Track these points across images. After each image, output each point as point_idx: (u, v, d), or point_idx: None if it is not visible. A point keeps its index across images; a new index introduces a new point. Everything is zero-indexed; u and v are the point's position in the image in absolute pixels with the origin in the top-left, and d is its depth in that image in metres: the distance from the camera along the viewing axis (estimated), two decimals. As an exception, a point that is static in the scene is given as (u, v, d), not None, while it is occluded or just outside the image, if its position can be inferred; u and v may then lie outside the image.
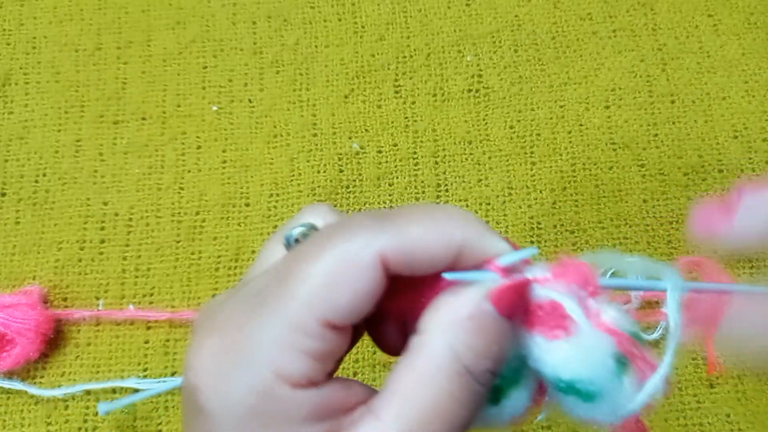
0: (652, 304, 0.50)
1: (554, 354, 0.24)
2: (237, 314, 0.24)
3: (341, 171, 0.55)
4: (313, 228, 0.26)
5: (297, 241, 0.26)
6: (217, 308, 0.25)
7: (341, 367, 0.50)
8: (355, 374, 0.50)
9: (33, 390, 0.49)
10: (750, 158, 0.55)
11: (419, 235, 0.23)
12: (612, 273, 0.27)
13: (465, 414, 0.23)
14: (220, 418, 0.23)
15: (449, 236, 0.23)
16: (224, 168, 0.56)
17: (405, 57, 0.59)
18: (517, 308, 0.24)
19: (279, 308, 0.23)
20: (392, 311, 0.25)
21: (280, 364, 0.22)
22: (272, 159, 0.56)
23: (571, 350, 0.24)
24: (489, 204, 0.54)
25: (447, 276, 0.24)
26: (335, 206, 0.54)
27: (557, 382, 0.24)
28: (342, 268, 0.22)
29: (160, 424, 0.49)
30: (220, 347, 0.23)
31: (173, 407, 0.49)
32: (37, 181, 0.55)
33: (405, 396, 0.23)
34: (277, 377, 0.22)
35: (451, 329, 0.23)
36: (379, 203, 0.55)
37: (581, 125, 0.56)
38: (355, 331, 0.26)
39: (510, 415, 0.26)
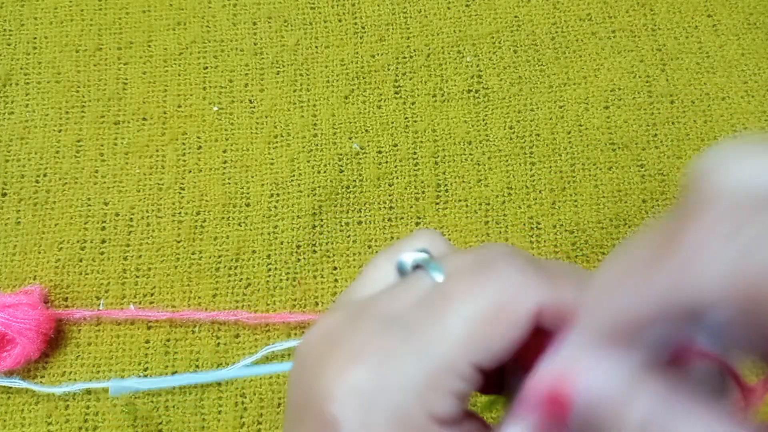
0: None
1: None
2: (383, 344, 0.23)
3: (341, 171, 0.55)
4: (426, 254, 0.25)
5: (414, 268, 0.25)
6: (350, 331, 0.24)
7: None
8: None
9: (34, 387, 0.49)
10: (749, 158, 0.55)
11: (571, 292, 0.22)
12: None
13: None
14: None
15: (577, 298, 0.22)
16: (225, 168, 0.56)
17: (405, 58, 0.59)
18: None
19: (431, 346, 0.22)
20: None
21: (432, 405, 0.22)
22: (273, 159, 0.56)
23: None
24: (488, 204, 0.54)
25: None
26: (336, 206, 0.54)
27: None
28: (500, 314, 0.22)
29: (160, 424, 0.49)
30: (366, 379, 0.22)
31: (173, 407, 0.49)
32: (37, 181, 0.55)
33: None
34: (426, 416, 0.22)
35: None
36: (379, 203, 0.55)
37: (581, 125, 0.56)
38: None
39: None
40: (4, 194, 0.55)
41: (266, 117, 0.57)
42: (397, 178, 0.55)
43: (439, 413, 0.22)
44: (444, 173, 0.55)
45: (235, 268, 0.53)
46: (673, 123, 0.56)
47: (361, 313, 0.24)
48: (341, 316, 0.25)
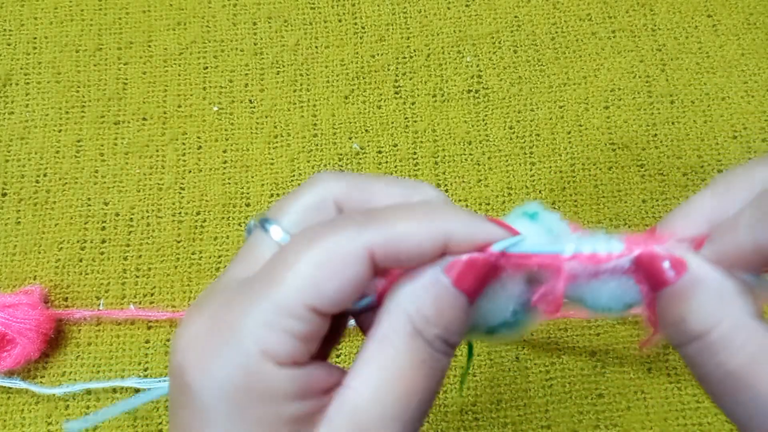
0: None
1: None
2: (224, 297, 0.25)
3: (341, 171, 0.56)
4: (264, 215, 0.28)
5: (256, 227, 0.28)
6: (204, 297, 0.26)
7: (343, 365, 0.50)
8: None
9: (34, 388, 0.49)
10: (749, 158, 0.55)
11: (405, 229, 0.25)
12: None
13: (423, 376, 0.25)
14: (206, 395, 0.23)
15: (435, 229, 0.25)
16: (225, 168, 0.56)
17: (405, 58, 0.59)
18: (476, 282, 0.26)
19: (267, 292, 0.24)
20: (382, 296, 0.27)
21: (266, 343, 0.23)
22: (273, 159, 0.56)
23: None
24: (489, 204, 0.54)
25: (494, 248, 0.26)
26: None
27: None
28: (330, 259, 0.24)
29: (160, 423, 0.49)
30: (207, 327, 0.24)
31: (174, 407, 0.49)
32: (38, 182, 0.55)
33: (368, 362, 0.25)
34: (263, 355, 0.23)
35: (406, 296, 0.25)
36: (379, 203, 0.55)
37: (581, 126, 0.56)
38: (339, 321, 0.28)
39: (502, 340, 0.28)
40: (4, 194, 0.55)
41: (266, 117, 0.57)
42: (397, 178, 0.55)
43: (273, 351, 0.24)
44: (444, 173, 0.55)
45: (235, 268, 0.53)
46: (673, 123, 0.56)
47: (217, 281, 0.27)
48: (204, 291, 0.27)
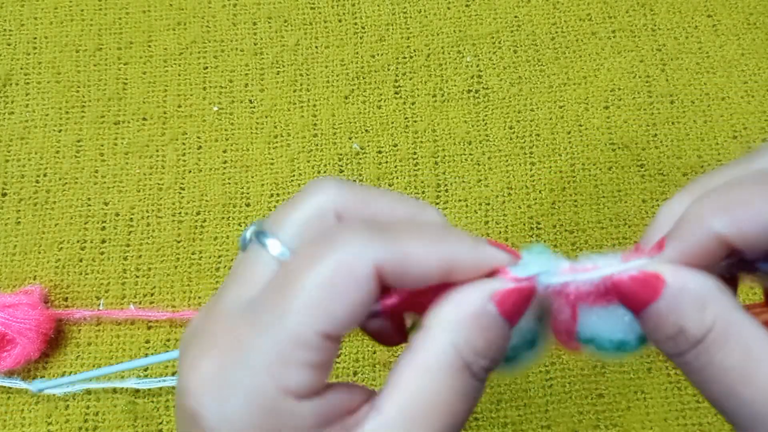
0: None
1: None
2: (229, 329, 0.24)
3: (341, 171, 0.55)
4: (260, 227, 0.26)
5: (252, 241, 0.26)
6: (205, 325, 0.25)
7: (342, 366, 0.50)
8: (355, 374, 0.50)
9: (34, 388, 0.49)
10: (749, 158, 0.55)
11: (415, 249, 0.24)
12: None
13: (463, 407, 0.24)
14: None
15: (443, 252, 0.24)
16: (225, 168, 0.56)
17: (405, 58, 0.59)
18: (519, 311, 0.25)
19: (277, 322, 0.23)
20: (389, 309, 0.26)
21: (283, 379, 0.22)
22: (273, 159, 0.56)
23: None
24: (488, 204, 0.54)
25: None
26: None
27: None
28: (338, 280, 0.23)
29: (160, 423, 0.49)
30: (218, 367, 0.23)
31: (174, 407, 0.49)
32: (38, 182, 0.55)
33: (406, 389, 0.23)
34: (282, 392, 0.22)
35: (454, 326, 0.24)
36: (379, 203, 0.55)
37: (581, 126, 0.56)
38: None
39: (520, 368, 0.28)
40: (5, 194, 0.55)
41: (266, 117, 0.57)
42: (397, 178, 0.55)
43: (293, 386, 0.23)
44: (444, 173, 0.55)
45: (235, 268, 0.53)
46: (673, 123, 0.56)
47: (215, 305, 0.25)
48: (202, 310, 0.25)
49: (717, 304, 0.24)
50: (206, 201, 0.55)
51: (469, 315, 0.24)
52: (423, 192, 0.55)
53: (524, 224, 0.54)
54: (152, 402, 0.49)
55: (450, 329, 0.24)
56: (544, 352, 0.28)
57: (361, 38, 0.60)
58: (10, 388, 0.49)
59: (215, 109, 0.58)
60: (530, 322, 0.27)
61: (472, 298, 0.24)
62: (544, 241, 0.53)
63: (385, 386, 0.24)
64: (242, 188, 0.55)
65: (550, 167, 0.55)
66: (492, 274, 0.25)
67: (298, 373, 0.23)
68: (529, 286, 0.25)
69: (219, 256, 0.53)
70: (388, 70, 0.59)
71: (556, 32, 0.60)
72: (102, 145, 0.56)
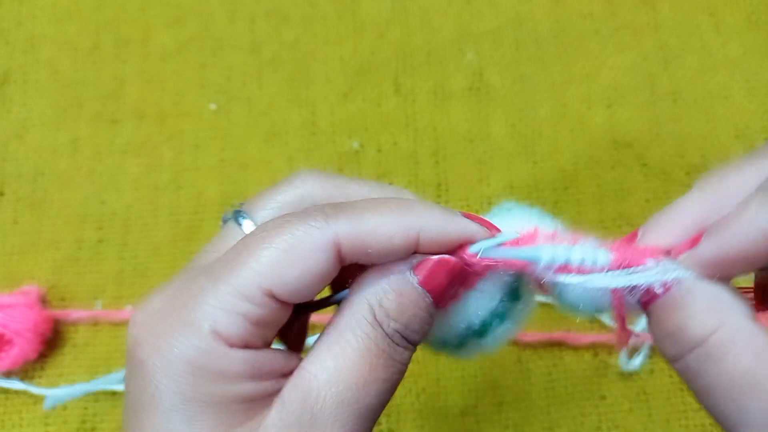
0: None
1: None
2: (185, 278, 0.26)
3: (340, 170, 0.55)
4: (240, 207, 0.28)
5: (229, 219, 0.28)
6: (173, 277, 0.27)
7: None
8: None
9: (32, 388, 0.48)
10: (753, 157, 0.55)
11: (375, 222, 0.24)
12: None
13: (382, 366, 0.25)
14: (157, 371, 0.24)
15: (406, 223, 0.25)
16: (222, 167, 0.55)
17: (405, 55, 0.59)
18: (441, 283, 0.25)
19: (226, 275, 0.24)
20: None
21: (219, 324, 0.24)
22: (270, 158, 0.56)
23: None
24: (490, 203, 0.54)
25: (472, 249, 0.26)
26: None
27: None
28: (294, 247, 0.24)
29: (158, 425, 0.48)
30: (164, 304, 0.25)
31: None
32: (35, 180, 0.55)
33: (326, 347, 0.25)
34: (214, 336, 0.24)
35: (371, 288, 0.25)
36: (378, 202, 0.54)
37: (583, 124, 0.56)
38: (302, 314, 0.29)
39: (495, 344, 0.28)
40: (2, 193, 0.55)
41: (264, 115, 0.57)
42: (398, 176, 0.55)
43: (224, 331, 0.24)
44: (445, 172, 0.55)
45: (234, 268, 0.52)
46: (675, 121, 0.56)
47: (183, 269, 0.27)
48: (171, 280, 0.27)
49: (728, 310, 0.24)
50: (203, 200, 0.54)
51: (386, 280, 0.25)
52: (424, 191, 0.54)
53: (525, 223, 0.53)
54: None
55: (368, 291, 0.25)
56: (518, 329, 0.28)
57: (360, 35, 0.59)
58: (8, 389, 0.49)
59: (213, 107, 0.57)
60: (495, 299, 0.27)
61: (395, 266, 0.25)
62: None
63: (312, 347, 0.26)
64: (240, 187, 0.55)
65: (553, 166, 0.55)
66: (459, 251, 0.26)
67: (233, 322, 0.24)
68: (454, 261, 0.25)
69: (217, 256, 0.53)
70: (388, 67, 0.58)
71: (559, 29, 0.59)
72: (99, 144, 0.56)
